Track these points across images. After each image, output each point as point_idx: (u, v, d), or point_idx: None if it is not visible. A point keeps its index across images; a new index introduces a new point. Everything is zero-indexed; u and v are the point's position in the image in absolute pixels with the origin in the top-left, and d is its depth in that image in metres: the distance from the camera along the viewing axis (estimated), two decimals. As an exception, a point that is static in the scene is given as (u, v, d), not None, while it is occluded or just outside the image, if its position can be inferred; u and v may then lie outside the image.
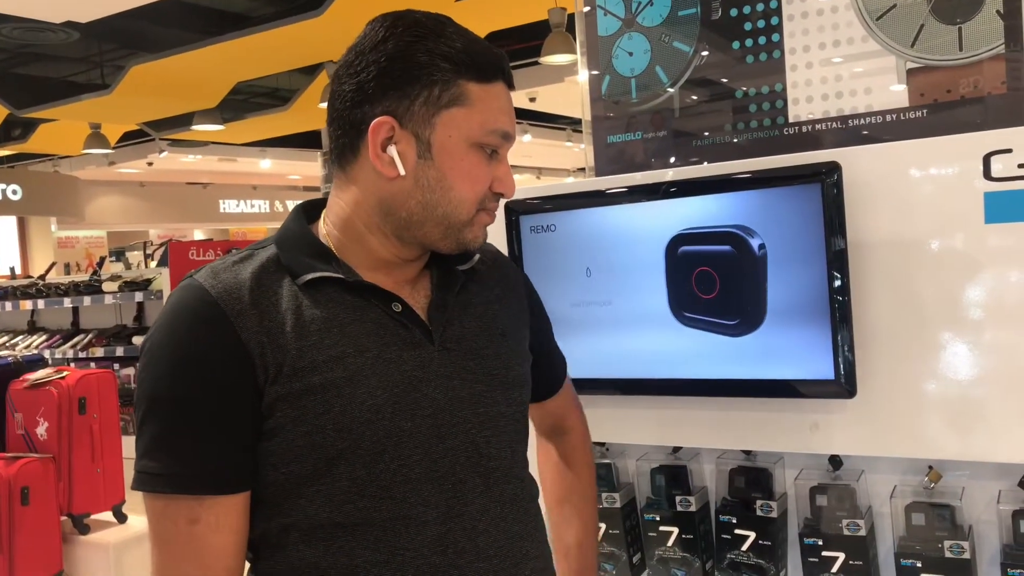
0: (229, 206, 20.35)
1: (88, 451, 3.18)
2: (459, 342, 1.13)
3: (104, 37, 9.18)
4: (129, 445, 1.04)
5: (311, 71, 9.45)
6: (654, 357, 1.63)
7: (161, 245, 6.76)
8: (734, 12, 1.74)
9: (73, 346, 6.49)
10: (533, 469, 1.27)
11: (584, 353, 1.62)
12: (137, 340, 6.27)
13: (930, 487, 1.50)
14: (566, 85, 9.40)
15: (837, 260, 1.43)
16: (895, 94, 1.61)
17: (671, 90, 1.82)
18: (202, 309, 1.02)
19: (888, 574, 1.54)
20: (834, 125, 1.66)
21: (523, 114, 11.93)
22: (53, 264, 8.82)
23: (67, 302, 6.40)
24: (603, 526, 1.77)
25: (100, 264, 7.51)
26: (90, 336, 6.57)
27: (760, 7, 1.71)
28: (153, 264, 6.66)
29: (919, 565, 1.46)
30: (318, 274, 1.07)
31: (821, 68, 1.67)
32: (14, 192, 15.10)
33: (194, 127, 10.61)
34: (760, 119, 1.73)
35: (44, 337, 6.81)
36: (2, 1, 6.77)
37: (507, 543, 1.11)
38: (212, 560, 1.01)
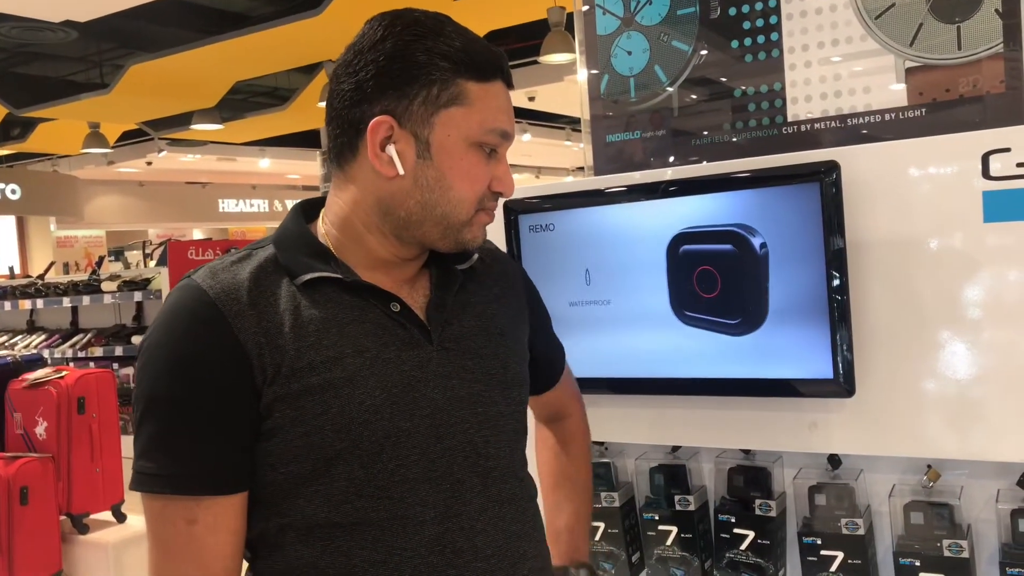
0: (228, 205, 20.35)
1: (87, 451, 3.17)
2: (458, 342, 1.13)
3: (103, 36, 9.18)
4: (128, 445, 1.04)
5: (310, 70, 9.45)
6: (652, 356, 1.63)
7: (160, 244, 6.75)
8: (733, 11, 1.74)
9: (72, 346, 6.48)
10: (532, 470, 1.27)
11: (583, 352, 1.62)
12: (136, 340, 6.27)
13: (929, 486, 1.51)
14: (565, 84, 9.40)
15: (836, 259, 1.43)
16: (894, 93, 1.61)
17: (670, 89, 1.82)
18: (200, 309, 1.02)
19: (887, 573, 1.54)
20: (833, 124, 1.66)
21: (522, 113, 11.93)
22: (52, 264, 8.81)
23: (66, 302, 6.39)
24: (602, 525, 1.77)
25: (99, 264, 7.50)
26: (89, 336, 6.57)
27: (759, 6, 1.71)
28: (152, 264, 6.65)
29: (918, 564, 1.46)
30: (316, 274, 1.07)
31: (820, 67, 1.67)
32: (13, 192, 15.09)
33: (193, 126, 10.61)
34: (759, 118, 1.73)
35: (43, 337, 6.80)
36: (1, 0, 6.76)
37: (505, 543, 1.11)
38: (210, 560, 1.01)
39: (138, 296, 6.04)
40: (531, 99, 10.92)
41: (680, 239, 1.57)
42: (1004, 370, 1.39)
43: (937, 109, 1.58)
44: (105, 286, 6.23)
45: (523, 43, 8.28)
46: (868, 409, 1.49)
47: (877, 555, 1.57)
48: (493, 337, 1.17)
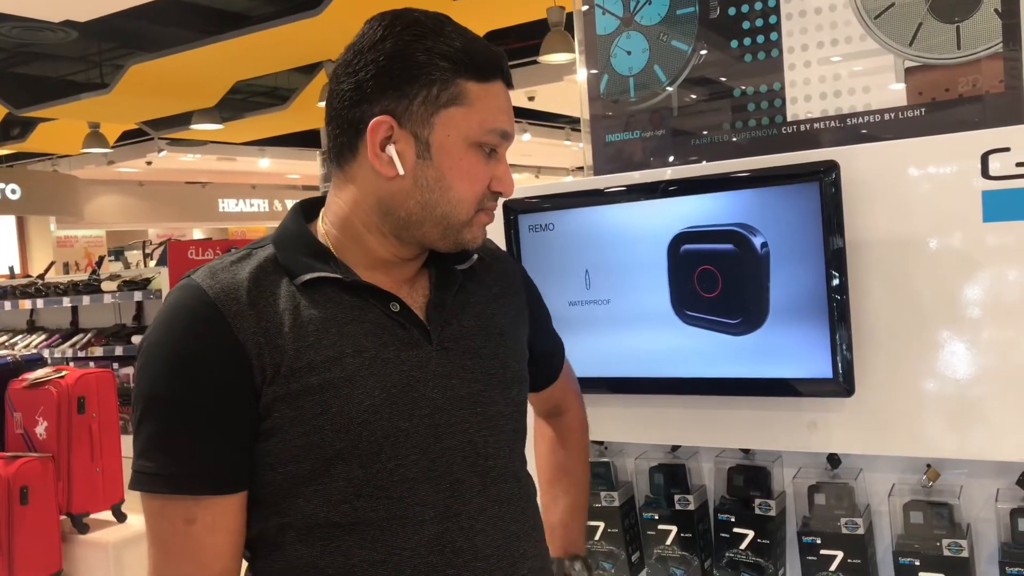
0: (228, 205, 20.34)
1: (87, 450, 3.17)
2: (457, 341, 1.13)
3: (103, 36, 9.18)
4: (128, 444, 1.04)
5: (310, 70, 9.44)
6: (651, 356, 1.63)
7: (160, 244, 6.74)
8: (732, 11, 1.74)
9: (72, 345, 6.47)
10: (532, 468, 1.27)
11: (582, 352, 1.62)
12: (136, 339, 6.26)
13: (928, 485, 1.51)
14: (565, 84, 9.39)
15: (835, 259, 1.43)
16: (893, 93, 1.61)
17: (669, 89, 1.82)
18: (200, 309, 1.02)
19: (886, 572, 1.54)
20: (832, 124, 1.67)
21: (522, 113, 11.93)
22: (52, 263, 8.80)
23: (66, 301, 6.38)
24: (602, 525, 1.77)
25: (99, 263, 7.49)
26: (89, 335, 6.56)
27: (758, 6, 1.71)
28: (152, 263, 6.64)
29: (917, 563, 1.46)
30: (316, 274, 1.07)
31: (819, 67, 1.67)
32: (13, 191, 15.08)
33: (193, 126, 10.60)
34: (758, 118, 1.73)
35: (43, 336, 6.80)
36: (1, 1, 6.76)
37: (504, 543, 1.11)
38: (209, 560, 1.01)
39: (138, 296, 6.03)
40: (531, 99, 10.92)
41: (681, 238, 1.57)
42: (1003, 370, 1.39)
43: (936, 109, 1.58)
44: (105, 286, 6.22)
45: (523, 43, 8.27)
46: (867, 408, 1.49)
47: (877, 554, 1.57)
48: (493, 337, 1.17)
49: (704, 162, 1.75)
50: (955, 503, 1.47)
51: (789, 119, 1.70)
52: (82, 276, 6.89)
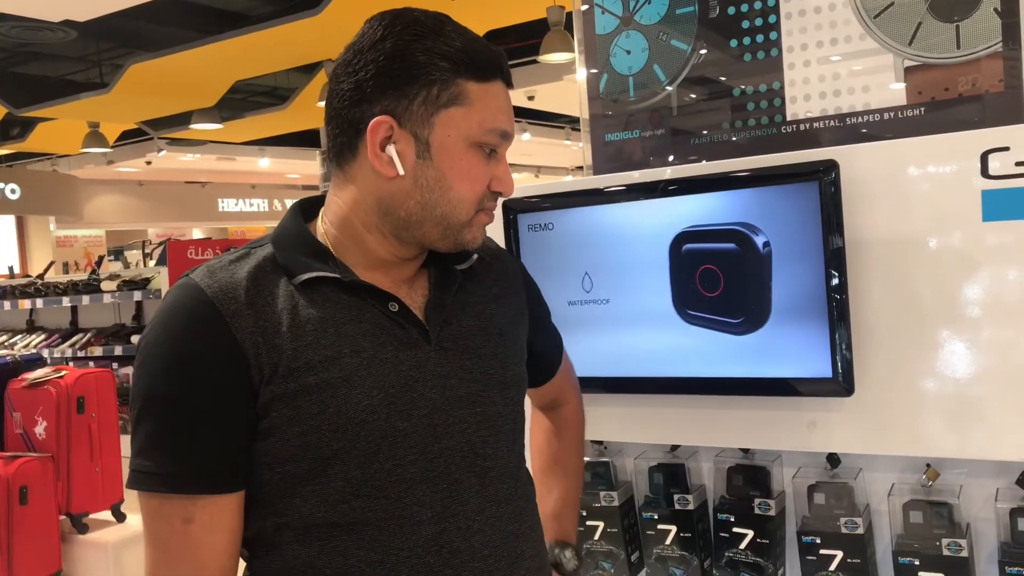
0: (228, 205, 20.34)
1: (87, 450, 3.17)
2: (456, 341, 1.12)
3: (102, 36, 9.18)
4: (128, 444, 1.04)
5: (309, 70, 9.44)
6: (651, 356, 1.63)
7: (160, 244, 6.74)
8: (732, 10, 1.74)
9: (72, 345, 6.47)
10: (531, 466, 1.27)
11: (581, 351, 1.62)
12: (136, 339, 6.26)
13: (928, 485, 1.51)
14: (564, 83, 9.39)
15: (835, 258, 1.43)
16: (893, 92, 1.61)
17: (669, 88, 1.82)
18: (198, 308, 1.02)
19: (886, 572, 1.54)
20: (832, 123, 1.66)
21: (522, 112, 11.94)
22: (52, 263, 8.80)
23: (65, 301, 6.38)
24: (601, 524, 1.77)
25: (99, 263, 7.49)
26: (89, 335, 6.56)
27: (758, 5, 1.71)
28: (152, 263, 6.64)
29: (917, 563, 1.46)
30: (314, 274, 1.07)
31: (819, 66, 1.67)
32: (12, 191, 15.08)
33: (193, 126, 10.60)
34: (758, 117, 1.73)
35: (43, 336, 6.80)
36: (1, 0, 6.76)
37: (502, 543, 1.11)
38: (206, 559, 1.01)
39: (138, 296, 6.03)
40: (530, 98, 10.92)
41: (683, 237, 1.57)
42: (1003, 369, 1.39)
43: (936, 108, 1.58)
44: (104, 286, 6.22)
45: (522, 42, 8.28)
46: (867, 408, 1.49)
47: (876, 554, 1.57)
48: (492, 337, 1.17)
49: (704, 161, 1.75)
50: (955, 503, 1.47)
51: (789, 118, 1.70)
52: (81, 276, 6.89)
